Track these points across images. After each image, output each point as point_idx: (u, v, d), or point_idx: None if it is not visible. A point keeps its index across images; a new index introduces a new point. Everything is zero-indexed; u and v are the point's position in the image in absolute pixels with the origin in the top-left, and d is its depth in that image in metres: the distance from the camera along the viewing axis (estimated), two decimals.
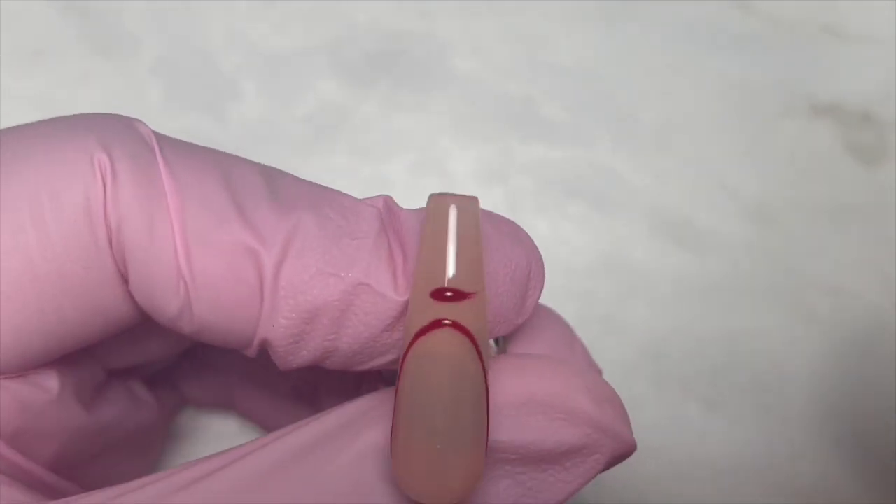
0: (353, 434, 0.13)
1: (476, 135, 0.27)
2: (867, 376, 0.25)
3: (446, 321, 0.13)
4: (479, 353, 0.13)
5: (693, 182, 0.27)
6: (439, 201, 0.14)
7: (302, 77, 0.27)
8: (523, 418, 0.13)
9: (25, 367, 0.14)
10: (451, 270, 0.13)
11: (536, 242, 0.15)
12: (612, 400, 0.14)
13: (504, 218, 0.15)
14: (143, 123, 0.14)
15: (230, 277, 0.13)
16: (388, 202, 0.14)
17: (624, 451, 0.14)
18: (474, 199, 0.14)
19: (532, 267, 0.14)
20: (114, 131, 0.13)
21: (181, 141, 0.14)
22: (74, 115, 0.14)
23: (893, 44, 0.29)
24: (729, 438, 0.24)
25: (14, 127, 0.14)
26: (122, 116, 0.14)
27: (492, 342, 0.16)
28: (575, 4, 0.29)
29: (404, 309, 0.13)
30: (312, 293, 0.13)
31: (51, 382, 0.14)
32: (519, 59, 0.28)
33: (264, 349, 0.14)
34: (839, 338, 0.25)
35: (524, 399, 0.13)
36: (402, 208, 0.14)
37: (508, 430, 0.13)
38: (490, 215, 0.15)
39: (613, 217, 0.27)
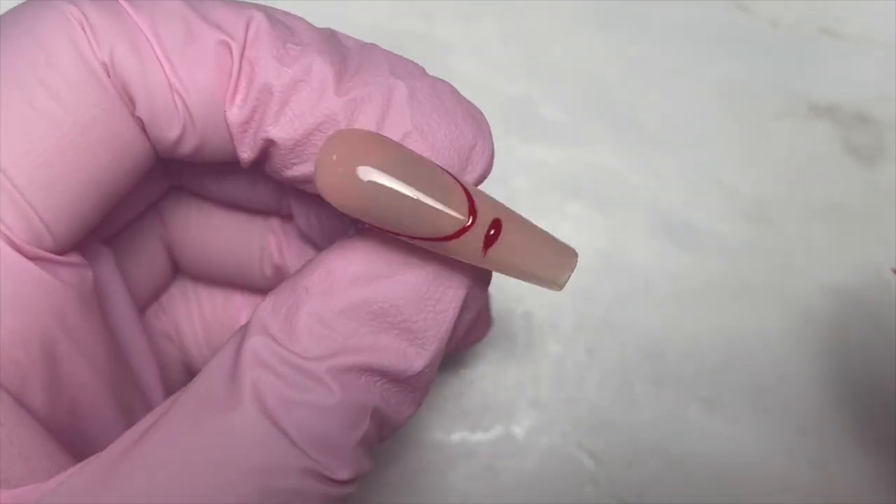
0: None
1: None
2: (867, 376, 0.25)
3: None
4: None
5: (692, 182, 0.27)
6: None
7: None
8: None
9: (85, 231, 0.15)
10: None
11: None
12: None
13: (470, 102, 0.16)
14: None
15: (215, 72, 0.14)
16: (332, 30, 0.16)
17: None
18: None
19: (477, 143, 0.15)
20: None
21: None
22: None
23: (891, 45, 0.29)
24: (729, 438, 0.24)
25: None
26: None
27: None
28: (575, 5, 0.29)
29: (340, 110, 0.15)
30: (262, 74, 0.14)
31: (87, 270, 0.15)
32: (519, 60, 0.28)
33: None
34: (839, 338, 0.25)
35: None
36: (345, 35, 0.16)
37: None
38: (457, 94, 0.16)
39: (613, 217, 0.27)
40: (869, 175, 0.27)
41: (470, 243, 0.14)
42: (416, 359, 0.15)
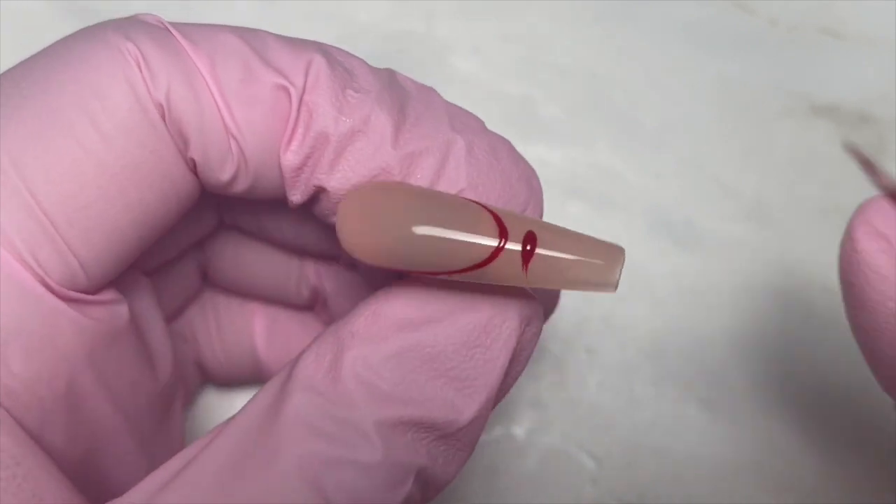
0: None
1: None
2: (867, 376, 0.25)
3: None
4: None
5: (693, 182, 0.27)
6: None
7: None
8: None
9: (121, 269, 0.15)
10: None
11: None
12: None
13: (525, 161, 0.16)
14: (148, 13, 0.15)
15: (272, 116, 0.14)
16: (391, 72, 0.15)
17: (534, 309, 0.15)
18: None
19: (529, 206, 0.15)
20: (128, 23, 0.14)
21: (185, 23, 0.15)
22: (86, 27, 0.15)
23: (892, 45, 0.29)
24: (729, 438, 0.24)
25: (40, 52, 0.15)
26: (126, 17, 0.15)
27: None
28: (574, 5, 0.29)
29: (396, 164, 0.14)
30: (320, 121, 0.14)
31: (123, 306, 0.15)
32: (519, 59, 0.28)
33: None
34: (839, 337, 0.25)
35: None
36: (404, 76, 0.16)
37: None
38: (514, 152, 0.15)
39: (613, 217, 0.27)
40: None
41: (508, 263, 0.13)
42: (465, 409, 0.14)
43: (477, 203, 0.14)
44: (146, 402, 0.16)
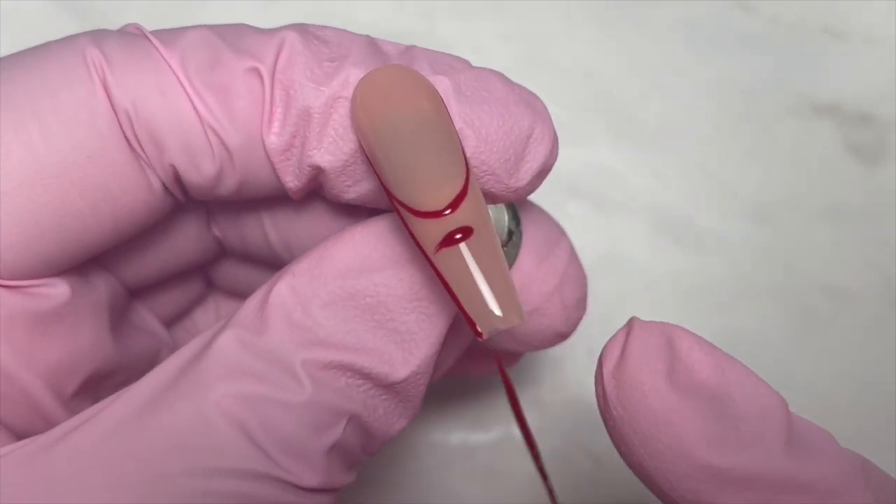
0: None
1: None
2: (867, 376, 0.25)
3: None
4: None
5: (693, 182, 0.27)
6: None
7: None
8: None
9: (47, 268, 0.14)
10: None
11: None
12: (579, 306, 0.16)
13: (522, 86, 0.15)
14: (133, 24, 0.15)
15: (246, 100, 0.14)
16: (370, 38, 0.15)
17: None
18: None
19: (535, 130, 0.15)
20: (104, 32, 0.15)
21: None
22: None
23: (893, 44, 0.29)
24: None
25: (22, 50, 0.15)
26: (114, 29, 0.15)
27: (505, 221, 0.16)
28: (575, 4, 0.29)
29: None
30: (300, 98, 0.14)
31: (59, 290, 0.15)
32: (519, 59, 0.28)
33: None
34: (839, 338, 0.25)
35: None
36: (386, 41, 0.15)
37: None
38: (507, 81, 0.15)
39: (613, 217, 0.27)
40: (870, 175, 0.27)
41: (429, 231, 0.13)
42: (402, 365, 0.14)
43: (467, 168, 0.13)
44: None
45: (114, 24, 0.27)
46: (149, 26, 0.15)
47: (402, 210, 0.13)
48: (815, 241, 0.26)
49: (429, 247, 0.13)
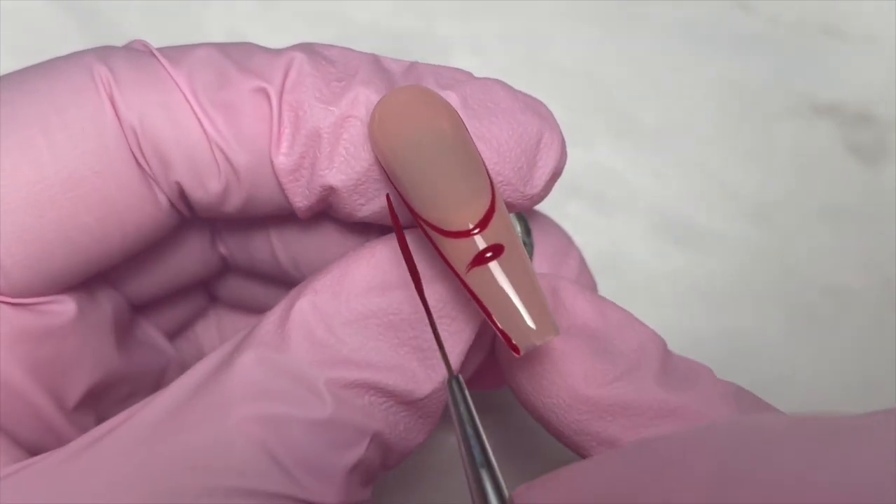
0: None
1: None
2: (867, 376, 0.25)
3: None
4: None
5: (693, 182, 0.27)
6: None
7: None
8: None
9: (54, 285, 0.14)
10: None
11: None
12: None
13: (525, 93, 0.15)
14: (139, 40, 0.15)
15: (253, 120, 0.14)
16: (375, 56, 0.15)
17: None
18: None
19: (544, 135, 0.15)
20: (111, 49, 0.14)
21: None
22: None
23: (893, 44, 0.29)
24: None
25: (31, 66, 0.15)
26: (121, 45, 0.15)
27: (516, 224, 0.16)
28: (575, 5, 0.29)
29: None
30: (309, 118, 0.14)
31: (66, 307, 0.15)
32: (519, 59, 0.28)
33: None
34: (839, 338, 0.25)
35: None
36: (390, 59, 0.15)
37: None
38: (510, 89, 0.15)
39: (613, 217, 0.27)
40: (870, 175, 0.27)
41: (459, 250, 0.13)
42: (426, 381, 0.14)
43: (492, 188, 0.13)
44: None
45: (114, 24, 0.27)
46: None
47: (430, 231, 0.13)
48: (815, 241, 0.26)
49: (460, 266, 0.13)
